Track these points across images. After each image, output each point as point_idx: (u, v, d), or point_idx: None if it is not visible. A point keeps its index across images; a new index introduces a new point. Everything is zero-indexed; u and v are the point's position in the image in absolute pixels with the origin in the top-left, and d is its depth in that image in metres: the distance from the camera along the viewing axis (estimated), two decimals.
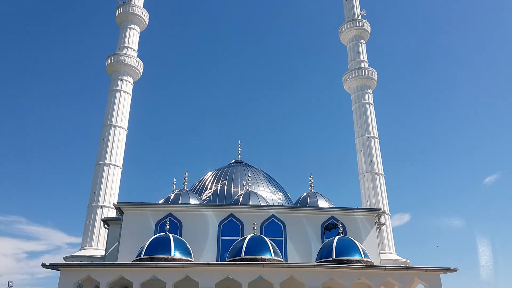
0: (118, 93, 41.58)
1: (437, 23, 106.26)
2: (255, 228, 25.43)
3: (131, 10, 45.14)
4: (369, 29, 48.18)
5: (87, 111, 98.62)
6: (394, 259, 36.32)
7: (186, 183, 30.60)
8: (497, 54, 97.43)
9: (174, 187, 30.83)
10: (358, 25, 47.67)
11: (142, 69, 44.36)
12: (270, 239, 24.66)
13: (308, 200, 30.39)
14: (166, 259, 22.55)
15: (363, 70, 45.18)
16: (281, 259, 23.98)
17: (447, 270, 22.62)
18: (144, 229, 26.45)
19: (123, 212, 27.19)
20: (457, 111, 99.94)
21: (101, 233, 35.56)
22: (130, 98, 42.72)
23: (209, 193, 36.75)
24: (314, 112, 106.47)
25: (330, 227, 27.70)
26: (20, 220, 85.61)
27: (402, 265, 30.57)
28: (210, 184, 37.84)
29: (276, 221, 27.64)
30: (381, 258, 28.44)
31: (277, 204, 34.94)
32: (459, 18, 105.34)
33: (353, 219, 28.00)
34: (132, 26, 45.30)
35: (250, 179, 33.94)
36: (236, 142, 58.34)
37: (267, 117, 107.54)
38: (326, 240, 25.98)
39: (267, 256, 22.95)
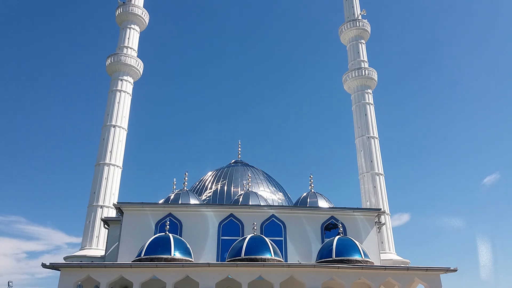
0: (118, 93, 41.57)
1: (437, 23, 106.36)
2: (255, 228, 25.42)
3: (131, 10, 45.14)
4: (369, 29, 48.17)
5: (87, 111, 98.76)
6: (394, 259, 36.32)
7: (186, 183, 30.62)
8: (497, 54, 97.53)
9: (174, 187, 30.90)
10: (358, 25, 47.66)
11: (142, 69, 44.37)
12: (270, 239, 24.66)
13: (308, 200, 30.38)
14: (166, 259, 22.55)
15: (363, 70, 45.17)
16: (281, 259, 23.98)
17: (447, 270, 22.62)
18: (144, 229, 26.45)
19: (123, 212, 27.18)
20: (457, 111, 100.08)
21: (101, 233, 35.56)
22: (130, 98, 42.71)
23: (209, 193, 36.75)
24: (314, 112, 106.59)
25: (330, 227, 27.70)
26: (20, 220, 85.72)
27: (402, 265, 30.58)
28: (210, 184, 37.84)
29: (276, 221, 27.64)
30: (381, 258, 28.44)
31: (277, 204, 34.94)
32: (459, 18, 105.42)
33: (353, 219, 27.99)
34: (132, 26, 45.29)
35: (250, 179, 33.94)
36: (236, 142, 58.45)
37: (267, 117, 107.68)
38: (326, 240, 25.98)
39: (267, 256, 22.95)
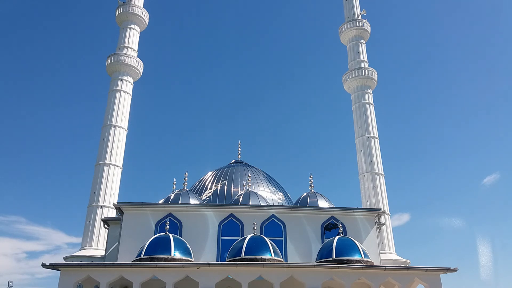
0: (118, 93, 41.57)
1: (437, 23, 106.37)
2: (255, 228, 25.42)
3: (131, 10, 45.13)
4: (369, 29, 48.17)
5: (87, 111, 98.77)
6: (394, 259, 36.32)
7: (186, 183, 30.61)
8: (497, 54, 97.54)
9: (174, 187, 30.89)
10: (358, 25, 47.66)
11: (142, 69, 44.36)
12: (270, 239, 24.65)
13: (308, 200, 30.38)
14: (166, 259, 22.55)
15: (363, 70, 45.17)
16: (281, 259, 23.98)
17: (447, 270, 22.62)
18: (144, 229, 26.44)
19: (123, 212, 27.18)
20: (457, 111, 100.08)
21: (101, 233, 35.55)
22: (130, 98, 42.72)
23: (209, 193, 36.74)
24: (314, 112, 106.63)
25: (330, 227, 27.69)
26: (20, 220, 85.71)
27: (402, 265, 30.58)
28: (210, 184, 37.83)
29: (276, 221, 27.64)
30: (381, 258, 28.44)
31: (277, 204, 34.93)
32: (459, 18, 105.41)
33: (353, 219, 27.99)
34: (132, 26, 45.29)
35: (250, 179, 33.93)
36: (236, 142, 58.39)
37: (267, 117, 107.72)
38: (326, 240, 25.97)
39: (267, 256, 22.95)
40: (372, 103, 44.61)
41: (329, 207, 29.13)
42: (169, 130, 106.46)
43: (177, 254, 23.17)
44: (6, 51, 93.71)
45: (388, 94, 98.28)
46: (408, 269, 23.24)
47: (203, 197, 36.30)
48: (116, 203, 27.65)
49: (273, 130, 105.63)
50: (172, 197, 29.16)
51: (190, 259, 23.80)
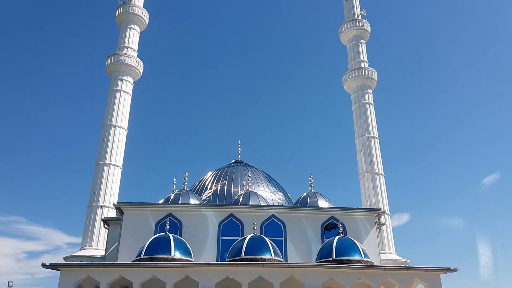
0: (118, 93, 41.57)
1: (437, 23, 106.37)
2: (255, 228, 25.42)
3: (131, 10, 45.13)
4: (369, 29, 48.17)
5: (87, 111, 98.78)
6: (394, 259, 36.31)
7: (186, 183, 30.61)
8: (497, 54, 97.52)
9: (174, 187, 30.88)
10: (358, 25, 47.66)
11: (142, 69, 44.36)
12: (270, 239, 24.65)
13: (308, 200, 30.39)
14: (166, 259, 22.56)
15: (363, 70, 45.16)
16: (281, 259, 23.98)
17: (447, 270, 22.63)
18: (144, 229, 26.45)
19: (123, 212, 27.18)
20: (457, 111, 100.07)
21: (101, 233, 35.55)
22: (130, 98, 42.71)
23: (209, 193, 36.75)
24: (314, 112, 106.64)
25: (330, 227, 27.69)
26: (20, 220, 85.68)
27: (402, 265, 30.58)
28: (210, 184, 37.84)
29: (276, 221, 27.64)
30: (381, 258, 28.43)
31: (277, 204, 34.94)
32: (459, 18, 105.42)
33: (353, 219, 27.99)
34: (132, 26, 45.29)
35: (250, 179, 33.93)
36: (236, 142, 58.48)
37: (267, 117, 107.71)
38: (326, 240, 25.98)
39: (267, 256, 22.95)
40: (372, 103, 44.60)
41: (329, 207, 29.13)
42: (169, 130, 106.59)
43: (177, 254, 23.18)
44: (6, 51, 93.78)
45: (388, 94, 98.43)
46: (408, 269, 23.24)
47: (203, 197, 36.30)
48: (116, 203, 27.65)
49: (273, 130, 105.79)
50: (172, 197, 29.16)
51: (190, 259, 23.80)
